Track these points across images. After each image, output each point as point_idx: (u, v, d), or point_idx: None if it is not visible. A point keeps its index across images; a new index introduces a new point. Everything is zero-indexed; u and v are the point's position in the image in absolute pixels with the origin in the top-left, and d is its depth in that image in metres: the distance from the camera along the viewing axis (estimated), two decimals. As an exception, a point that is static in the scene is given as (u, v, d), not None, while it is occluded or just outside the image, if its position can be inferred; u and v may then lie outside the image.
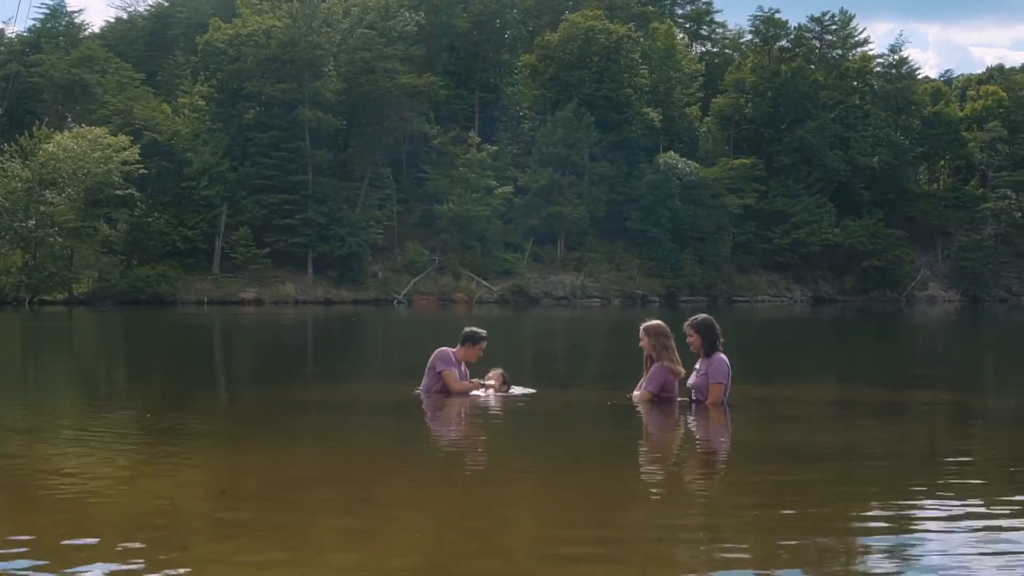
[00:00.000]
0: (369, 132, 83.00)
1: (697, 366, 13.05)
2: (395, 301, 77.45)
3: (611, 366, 22.49)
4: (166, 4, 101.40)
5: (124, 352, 29.42)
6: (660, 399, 12.98)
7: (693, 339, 12.92)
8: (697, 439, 11.62)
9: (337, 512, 7.55)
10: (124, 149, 70.28)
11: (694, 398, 12.86)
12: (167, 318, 52.38)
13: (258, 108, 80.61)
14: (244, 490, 8.38)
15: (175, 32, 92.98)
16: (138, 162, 70.77)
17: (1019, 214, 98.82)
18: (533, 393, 14.46)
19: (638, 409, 12.75)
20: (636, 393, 13.23)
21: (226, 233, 77.02)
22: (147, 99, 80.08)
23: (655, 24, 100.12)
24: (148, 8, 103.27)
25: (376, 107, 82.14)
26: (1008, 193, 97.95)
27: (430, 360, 14.18)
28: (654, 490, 8.63)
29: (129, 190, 70.83)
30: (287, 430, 11.50)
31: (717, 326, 12.94)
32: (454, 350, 14.23)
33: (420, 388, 14.24)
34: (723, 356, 12.87)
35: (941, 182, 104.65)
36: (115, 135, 71.14)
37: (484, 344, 14.33)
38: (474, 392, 13.97)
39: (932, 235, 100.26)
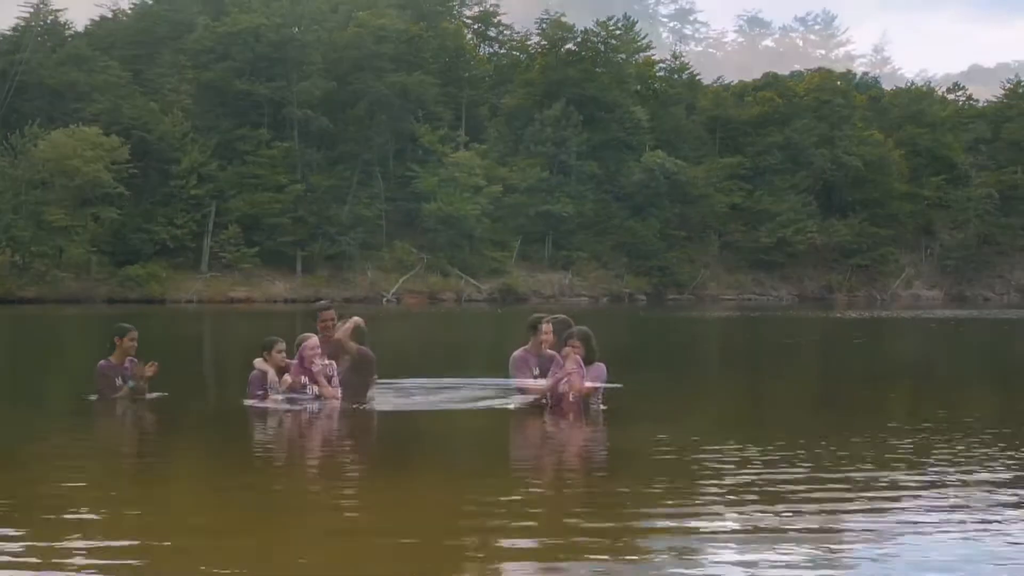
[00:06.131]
0: (358, 131, 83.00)
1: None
2: (384, 300, 77.45)
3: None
4: (150, 3, 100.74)
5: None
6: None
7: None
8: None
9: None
10: (115, 148, 70.30)
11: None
12: (164, 314, 52.24)
13: (247, 107, 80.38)
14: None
15: (161, 30, 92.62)
16: (127, 161, 70.75)
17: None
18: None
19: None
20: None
21: (215, 232, 76.98)
22: (135, 98, 79.91)
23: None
24: (132, 6, 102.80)
25: (365, 106, 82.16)
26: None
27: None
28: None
29: (118, 189, 70.87)
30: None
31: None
32: (524, 350, 13.95)
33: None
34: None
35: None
36: (107, 135, 71.18)
37: (547, 326, 13.93)
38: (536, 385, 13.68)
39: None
